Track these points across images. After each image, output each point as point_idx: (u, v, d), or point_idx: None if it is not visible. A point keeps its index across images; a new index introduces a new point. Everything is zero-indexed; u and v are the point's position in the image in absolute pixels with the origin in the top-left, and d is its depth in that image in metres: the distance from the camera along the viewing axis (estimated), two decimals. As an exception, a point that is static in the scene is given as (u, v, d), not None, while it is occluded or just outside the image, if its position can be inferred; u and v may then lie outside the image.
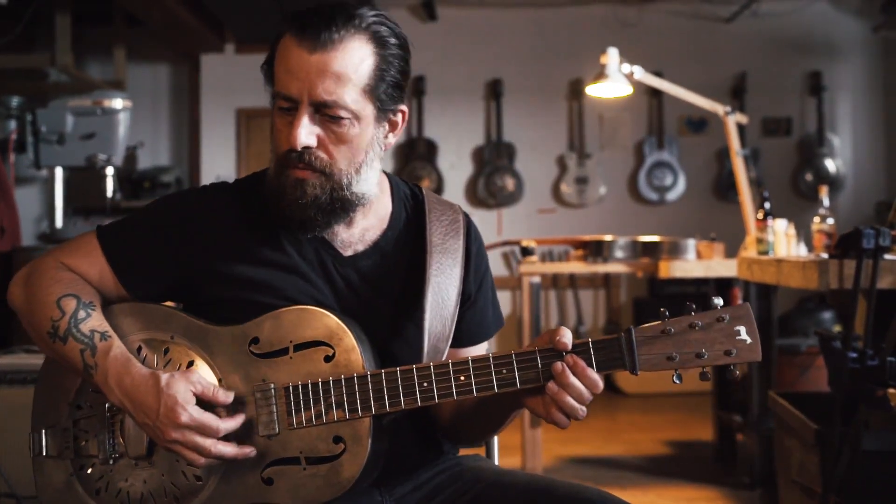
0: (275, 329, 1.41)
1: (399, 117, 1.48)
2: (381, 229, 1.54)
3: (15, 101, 4.58)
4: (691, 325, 1.30)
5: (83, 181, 5.37)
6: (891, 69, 6.99)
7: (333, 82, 1.37)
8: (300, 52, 1.37)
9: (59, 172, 4.69)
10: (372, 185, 1.47)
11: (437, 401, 1.35)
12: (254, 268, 1.47)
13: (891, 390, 2.28)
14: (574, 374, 1.31)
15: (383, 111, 1.44)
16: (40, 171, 5.13)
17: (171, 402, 1.35)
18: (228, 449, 1.37)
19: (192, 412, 1.35)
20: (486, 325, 1.63)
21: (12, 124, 4.54)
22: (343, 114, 1.39)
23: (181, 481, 1.42)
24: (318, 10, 1.39)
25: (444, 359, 1.48)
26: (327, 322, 1.40)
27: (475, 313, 1.60)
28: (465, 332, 1.58)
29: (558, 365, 1.31)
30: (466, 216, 1.61)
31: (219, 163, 7.03)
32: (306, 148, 1.39)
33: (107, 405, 1.45)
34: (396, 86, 1.43)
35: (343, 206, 1.44)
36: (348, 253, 1.51)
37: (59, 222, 4.71)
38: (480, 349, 1.62)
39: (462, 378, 1.34)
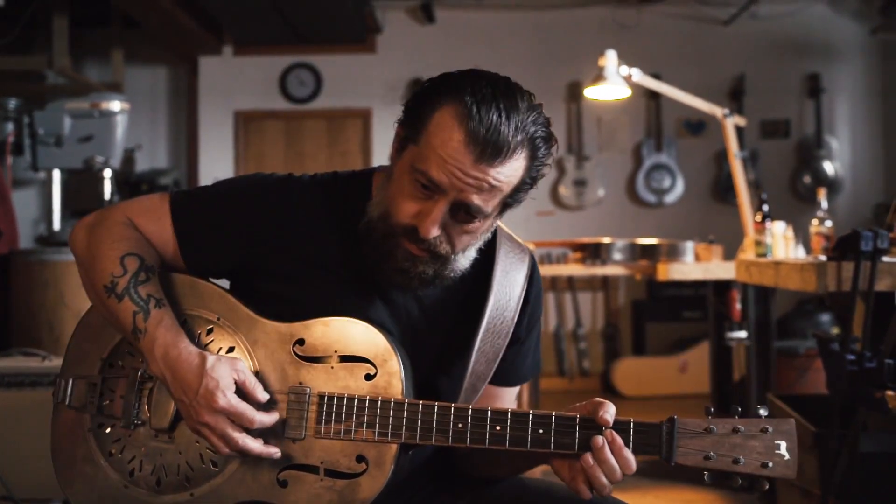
0: (323, 335, 1.40)
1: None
2: None
3: (12, 104, 4.57)
4: (734, 430, 1.30)
5: (81, 184, 5.35)
6: (889, 71, 7.00)
7: (488, 194, 1.34)
8: (466, 153, 1.30)
9: (56, 175, 4.68)
10: (470, 258, 1.45)
11: (467, 444, 1.34)
12: (317, 274, 1.45)
13: (889, 392, 2.28)
14: (612, 451, 1.30)
15: (509, 208, 1.42)
16: (38, 174, 5.12)
17: (212, 384, 1.34)
18: (255, 445, 1.35)
19: (230, 398, 1.34)
20: (524, 371, 1.60)
21: (9, 126, 4.53)
22: (479, 218, 1.37)
23: (196, 463, 1.41)
24: (493, 102, 1.31)
25: (478, 396, 1.47)
26: (377, 341, 1.39)
27: (518, 357, 1.58)
28: (502, 373, 1.55)
29: (598, 439, 1.30)
30: (532, 258, 1.59)
31: (217, 165, 7.02)
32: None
33: (140, 371, 1.44)
34: (529, 188, 1.41)
35: (441, 279, 1.42)
36: None
37: (56, 225, 4.70)
38: (513, 392, 1.60)
39: (498, 428, 1.33)
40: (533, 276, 1.56)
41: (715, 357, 4.39)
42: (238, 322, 1.44)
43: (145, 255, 1.45)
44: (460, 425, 1.33)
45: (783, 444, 1.29)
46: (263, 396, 1.37)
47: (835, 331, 5.20)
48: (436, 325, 1.49)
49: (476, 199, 1.33)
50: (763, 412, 1.30)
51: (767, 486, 1.32)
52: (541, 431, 1.32)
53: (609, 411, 1.30)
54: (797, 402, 2.96)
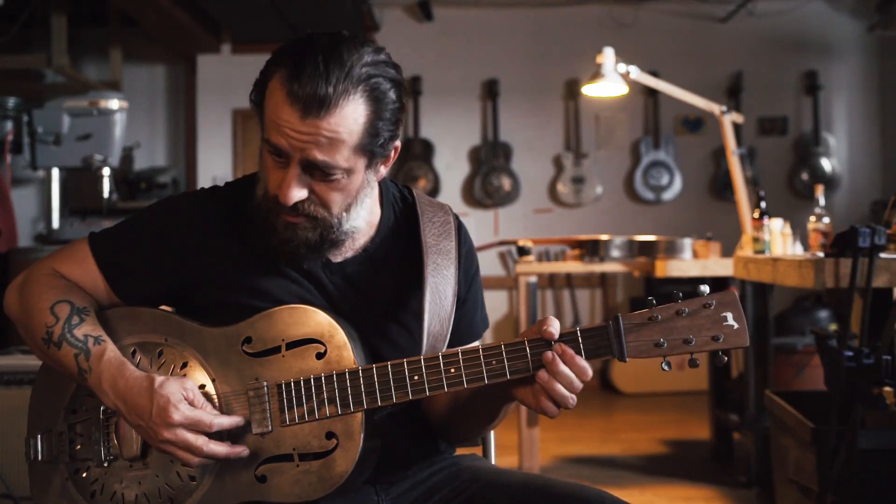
0: (267, 328, 1.42)
1: (392, 153, 1.46)
2: (369, 235, 1.54)
3: (11, 102, 4.57)
4: (678, 312, 1.31)
5: (80, 182, 5.36)
6: (886, 68, 7.01)
7: (327, 147, 1.34)
8: (291, 112, 1.33)
9: (55, 173, 4.69)
10: (362, 219, 1.47)
11: (427, 393, 1.36)
12: (246, 272, 1.48)
13: (886, 388, 2.29)
14: (563, 361, 1.32)
15: (375, 159, 1.42)
16: (37, 172, 5.12)
17: (163, 401, 1.36)
18: (221, 448, 1.38)
19: (183, 410, 1.36)
20: (474, 326, 1.64)
21: (8, 125, 4.53)
22: (335, 172, 1.37)
23: (175, 481, 1.43)
24: (312, 56, 1.33)
25: None
26: (319, 320, 1.41)
27: (465, 314, 1.60)
28: (454, 333, 1.57)
29: (548, 354, 1.32)
30: (457, 217, 1.62)
31: (215, 163, 7.02)
32: (298, 202, 1.39)
33: (102, 408, 1.46)
34: (391, 137, 1.41)
35: (332, 243, 1.45)
36: (337, 259, 1.52)
37: (55, 223, 4.71)
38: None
39: (452, 370, 1.35)
40: (461, 233, 1.60)
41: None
42: (185, 337, 1.46)
43: (74, 299, 1.48)
44: (416, 377, 1.36)
45: (729, 315, 1.31)
46: (212, 412, 1.40)
47: (832, 327, 5.21)
48: (370, 296, 1.52)
49: (319, 155, 1.34)
50: (704, 289, 1.31)
51: (726, 359, 1.32)
52: (494, 363, 1.34)
53: (553, 325, 1.33)
54: (795, 398, 2.97)
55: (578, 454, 4.61)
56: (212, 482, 1.41)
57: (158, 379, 1.38)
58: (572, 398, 1.33)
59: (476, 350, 1.35)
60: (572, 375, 1.32)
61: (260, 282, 1.47)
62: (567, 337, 1.33)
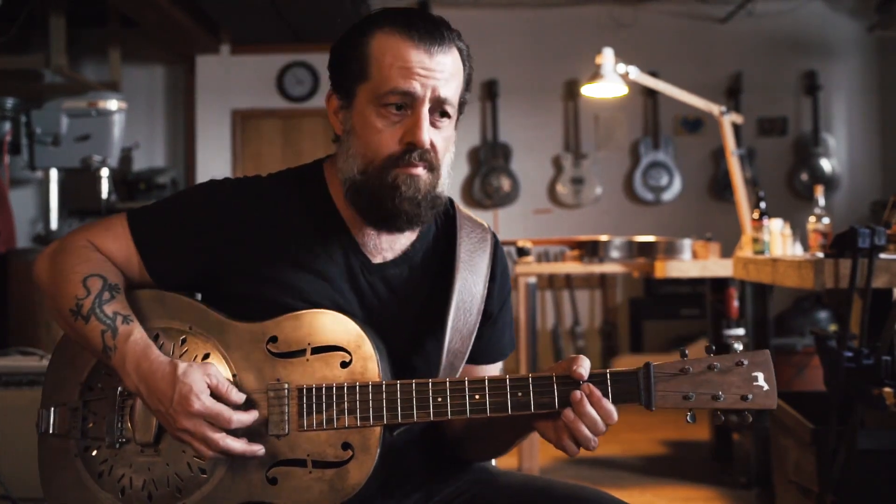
0: (294, 329, 1.41)
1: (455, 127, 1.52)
2: (410, 239, 1.53)
3: (9, 103, 4.56)
4: (710, 367, 1.31)
5: (78, 183, 5.35)
6: (886, 69, 7.01)
7: (452, 81, 1.42)
8: (418, 52, 1.40)
9: (53, 174, 4.68)
10: (447, 185, 1.49)
11: (449, 417, 1.35)
12: (280, 268, 1.46)
13: (886, 389, 2.29)
14: (590, 403, 1.31)
15: (460, 115, 1.50)
16: (35, 173, 5.12)
17: (185, 389, 1.35)
18: (237, 444, 1.36)
19: (205, 401, 1.35)
20: (502, 346, 1.62)
21: (7, 126, 4.53)
22: (451, 111, 1.44)
23: (185, 472, 1.41)
24: (419, 14, 1.44)
25: (458, 375, 1.48)
26: (348, 328, 1.40)
27: (494, 333, 1.59)
28: (481, 351, 1.57)
29: (577, 393, 1.31)
30: (494, 236, 1.61)
31: (214, 164, 7.02)
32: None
33: (119, 389, 1.44)
34: (464, 101, 1.49)
35: (433, 204, 1.46)
36: (377, 260, 1.51)
37: (53, 224, 4.70)
38: (495, 369, 1.62)
39: (477, 397, 1.34)
40: (497, 252, 1.59)
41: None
42: (210, 328, 1.45)
43: (108, 274, 1.46)
44: (440, 399, 1.34)
45: (761, 376, 1.30)
46: (239, 398, 1.38)
47: (832, 328, 5.21)
48: (404, 303, 1.51)
49: (447, 91, 1.41)
50: (738, 346, 1.31)
51: (751, 419, 1.32)
52: (520, 395, 1.33)
53: (583, 365, 1.32)
54: (795, 399, 2.96)
55: (578, 455, 4.60)
56: (222, 477, 1.40)
57: (182, 366, 1.37)
58: (594, 440, 1.33)
59: (503, 380, 1.34)
60: (598, 417, 1.31)
61: (293, 278, 1.46)
62: (596, 378, 1.32)
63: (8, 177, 4.60)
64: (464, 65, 1.46)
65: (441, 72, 1.40)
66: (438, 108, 1.41)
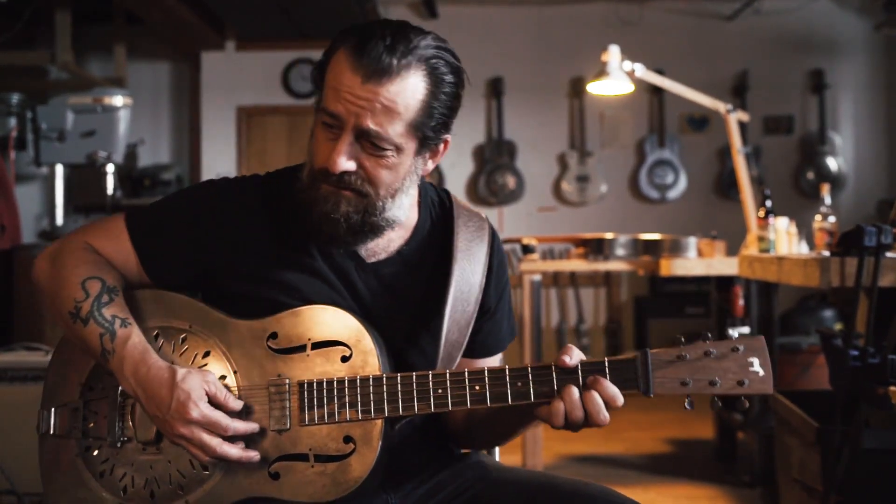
0: (294, 326, 1.42)
1: (441, 146, 1.47)
2: (404, 238, 1.53)
3: (15, 99, 4.57)
4: (706, 353, 1.32)
5: (84, 179, 5.36)
6: (893, 67, 6.99)
7: (382, 114, 1.35)
8: (353, 76, 1.34)
9: (59, 170, 4.69)
10: (405, 209, 1.46)
11: (450, 408, 1.35)
12: (277, 267, 1.47)
13: (892, 388, 2.28)
14: (596, 390, 1.32)
15: (426, 144, 1.43)
16: (41, 169, 5.13)
17: (183, 396, 1.35)
18: (233, 451, 1.37)
19: (203, 409, 1.36)
20: (501, 338, 1.63)
21: (13, 121, 4.54)
22: (386, 146, 1.37)
23: (188, 470, 1.42)
24: (380, 32, 1.36)
25: (455, 368, 1.48)
26: (347, 323, 1.40)
27: (493, 325, 1.60)
28: (480, 344, 1.58)
29: (572, 388, 1.32)
30: (491, 226, 1.61)
31: (219, 160, 7.02)
32: (345, 171, 1.38)
33: (119, 388, 1.45)
34: (444, 122, 1.42)
35: (372, 229, 1.43)
36: (371, 260, 1.51)
37: (59, 220, 4.71)
38: (494, 361, 1.62)
39: (477, 388, 1.35)
40: (494, 243, 1.59)
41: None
42: (210, 326, 1.45)
43: (107, 276, 1.47)
44: (440, 390, 1.35)
45: (756, 361, 1.31)
46: (236, 405, 1.39)
47: (838, 327, 5.19)
48: (401, 299, 1.51)
49: (371, 123, 1.34)
50: (733, 333, 1.32)
51: (748, 405, 1.33)
52: (519, 384, 1.34)
53: (571, 354, 1.33)
54: (800, 398, 2.96)
55: (582, 453, 4.60)
56: (224, 474, 1.40)
57: (181, 372, 1.37)
58: (604, 415, 1.32)
59: (503, 370, 1.35)
60: (601, 404, 1.31)
61: (291, 278, 1.46)
62: (595, 366, 1.33)
63: (14, 172, 4.60)
64: (431, 92, 1.38)
65: (369, 101, 1.33)
66: (365, 137, 1.36)
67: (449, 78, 1.40)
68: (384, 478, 1.44)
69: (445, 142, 1.47)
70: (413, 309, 1.51)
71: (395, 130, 1.36)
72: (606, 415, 1.32)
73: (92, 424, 1.47)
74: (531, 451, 4.03)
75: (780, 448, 3.10)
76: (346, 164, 1.37)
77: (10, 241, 4.27)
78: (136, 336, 1.41)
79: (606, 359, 1.33)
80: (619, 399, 1.32)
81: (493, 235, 1.60)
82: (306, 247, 1.47)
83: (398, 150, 1.38)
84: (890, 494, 2.47)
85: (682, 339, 1.33)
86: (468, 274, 1.51)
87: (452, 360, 1.48)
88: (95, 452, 1.46)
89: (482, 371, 1.35)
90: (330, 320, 1.41)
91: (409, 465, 1.52)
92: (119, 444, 1.44)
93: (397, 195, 1.43)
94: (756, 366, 1.31)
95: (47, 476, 1.50)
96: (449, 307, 1.47)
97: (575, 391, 1.32)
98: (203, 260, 1.48)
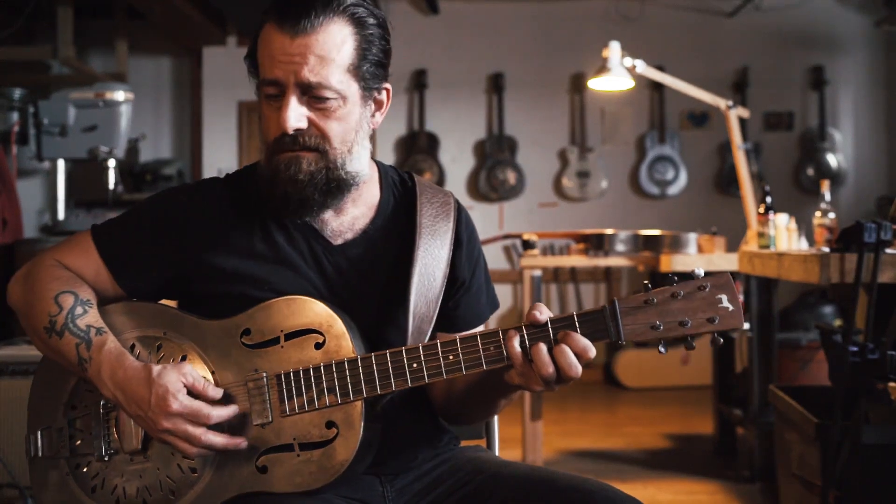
0: (265, 319, 1.43)
1: (384, 96, 1.52)
2: (369, 217, 1.56)
3: (17, 93, 4.57)
4: (673, 295, 1.32)
5: (85, 173, 5.36)
6: (893, 64, 6.99)
7: (317, 64, 1.40)
8: (282, 38, 1.40)
9: (61, 165, 4.69)
10: (364, 164, 1.50)
11: (427, 381, 1.37)
12: (245, 261, 1.49)
13: (891, 384, 2.29)
14: (566, 344, 1.32)
15: (368, 90, 1.47)
16: (42, 164, 5.13)
17: (161, 391, 1.37)
18: (219, 439, 1.38)
19: (182, 400, 1.37)
20: (480, 310, 1.64)
21: (14, 116, 4.53)
22: (329, 94, 1.41)
23: (176, 474, 1.43)
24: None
25: (427, 339, 1.49)
26: (316, 310, 1.42)
27: (470, 298, 1.61)
28: (460, 318, 1.60)
29: (539, 345, 1.32)
30: (457, 202, 1.62)
31: (220, 156, 7.03)
32: (298, 130, 1.42)
33: (101, 402, 1.47)
34: (379, 64, 1.47)
35: (339, 185, 1.46)
36: (338, 242, 1.53)
37: (61, 215, 4.71)
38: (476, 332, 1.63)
39: (451, 357, 1.36)
40: (461, 217, 1.61)
41: (717, 349, 4.40)
42: (184, 331, 1.47)
43: (79, 290, 1.49)
44: (415, 365, 1.37)
45: (724, 297, 1.32)
46: (216, 393, 1.41)
47: (837, 322, 5.20)
48: (369, 278, 1.53)
49: (310, 74, 1.39)
50: (699, 272, 1.33)
51: (722, 341, 1.33)
52: (492, 348, 1.35)
53: (541, 310, 1.34)
54: (799, 393, 2.97)
55: (582, 448, 4.61)
56: (213, 474, 1.42)
57: (156, 368, 1.39)
58: (576, 369, 1.32)
59: (474, 337, 1.36)
60: (573, 357, 1.31)
61: (258, 271, 1.49)
62: (564, 321, 1.34)
63: (15, 167, 4.60)
64: (359, 35, 1.44)
65: (302, 55, 1.39)
66: (309, 92, 1.41)
67: (372, 21, 1.46)
68: (375, 463, 1.46)
69: (387, 91, 1.51)
70: (382, 286, 1.53)
71: (335, 77, 1.41)
72: (579, 368, 1.32)
73: (79, 442, 1.49)
74: (531, 446, 4.04)
75: (780, 443, 3.11)
76: (296, 121, 1.41)
77: (12, 235, 4.28)
78: (110, 342, 1.44)
79: (575, 312, 1.34)
80: (591, 351, 1.32)
81: (460, 210, 1.62)
82: (272, 237, 1.50)
83: (342, 98, 1.43)
84: (889, 489, 2.49)
85: (649, 285, 1.34)
86: (434, 248, 1.53)
87: (423, 333, 1.49)
88: (85, 469, 1.48)
89: (454, 340, 1.36)
90: (300, 309, 1.42)
91: (400, 451, 1.53)
92: (107, 458, 1.46)
93: (353, 148, 1.46)
94: (725, 301, 1.32)
95: (40, 498, 1.52)
96: (415, 282, 1.49)
97: (543, 347, 1.32)
98: (172, 266, 1.51)
